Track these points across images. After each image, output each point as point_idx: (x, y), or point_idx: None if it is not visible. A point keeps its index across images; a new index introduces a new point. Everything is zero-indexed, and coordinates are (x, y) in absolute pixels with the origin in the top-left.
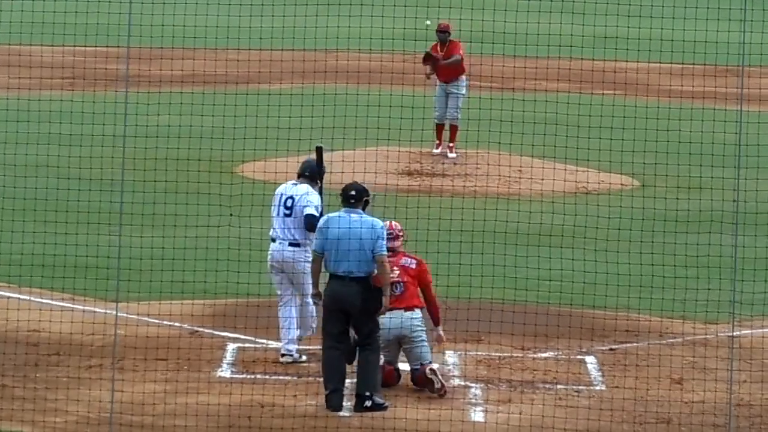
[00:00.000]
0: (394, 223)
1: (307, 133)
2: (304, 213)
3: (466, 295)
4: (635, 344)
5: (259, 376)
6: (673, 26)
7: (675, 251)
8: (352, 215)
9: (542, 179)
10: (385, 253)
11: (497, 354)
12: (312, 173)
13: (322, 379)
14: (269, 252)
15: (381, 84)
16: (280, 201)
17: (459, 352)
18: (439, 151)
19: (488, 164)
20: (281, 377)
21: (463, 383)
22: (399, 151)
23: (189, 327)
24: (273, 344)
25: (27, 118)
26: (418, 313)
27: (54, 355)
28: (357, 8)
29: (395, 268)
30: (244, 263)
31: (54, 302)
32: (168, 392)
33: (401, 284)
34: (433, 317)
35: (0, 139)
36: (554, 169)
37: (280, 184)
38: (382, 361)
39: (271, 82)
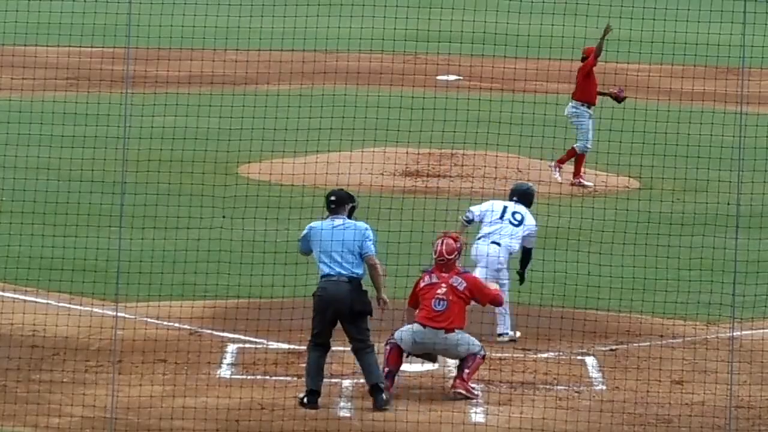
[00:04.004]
0: (444, 245)
1: (309, 134)
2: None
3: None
4: (636, 345)
5: (259, 376)
6: (677, 28)
7: (675, 252)
8: (335, 220)
9: (543, 180)
10: (373, 253)
11: (497, 355)
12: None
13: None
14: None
15: (381, 85)
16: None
17: None
18: (577, 180)
19: (489, 165)
20: (281, 378)
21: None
22: (398, 152)
23: (189, 328)
24: (273, 345)
25: (28, 120)
26: (455, 335)
27: (54, 355)
28: (358, 9)
29: (443, 284)
30: (245, 264)
31: (55, 303)
32: (168, 393)
33: (445, 302)
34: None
35: (1, 140)
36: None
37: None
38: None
39: (273, 83)
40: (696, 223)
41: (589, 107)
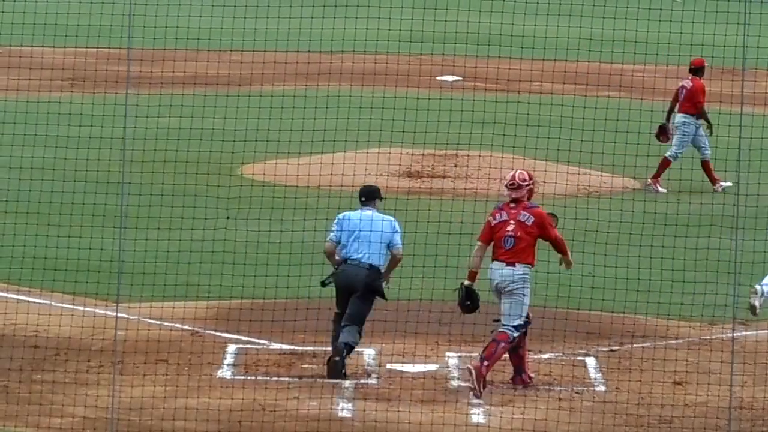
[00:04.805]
0: (519, 172)
1: (311, 135)
2: None
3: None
4: (636, 346)
5: (260, 377)
6: (677, 29)
7: (676, 253)
8: (366, 211)
9: (544, 181)
10: (401, 246)
11: None
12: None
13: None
14: None
15: (382, 86)
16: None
17: (460, 354)
18: (652, 183)
19: (490, 166)
20: (282, 378)
21: (463, 384)
22: (400, 153)
23: (190, 328)
24: (274, 346)
25: (29, 120)
26: (518, 269)
27: (55, 356)
28: (361, 10)
29: (512, 221)
30: (245, 265)
31: (55, 303)
32: (169, 393)
33: (513, 239)
34: (563, 253)
35: (3, 141)
36: (556, 171)
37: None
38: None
39: (275, 84)
40: (696, 223)
41: (697, 118)
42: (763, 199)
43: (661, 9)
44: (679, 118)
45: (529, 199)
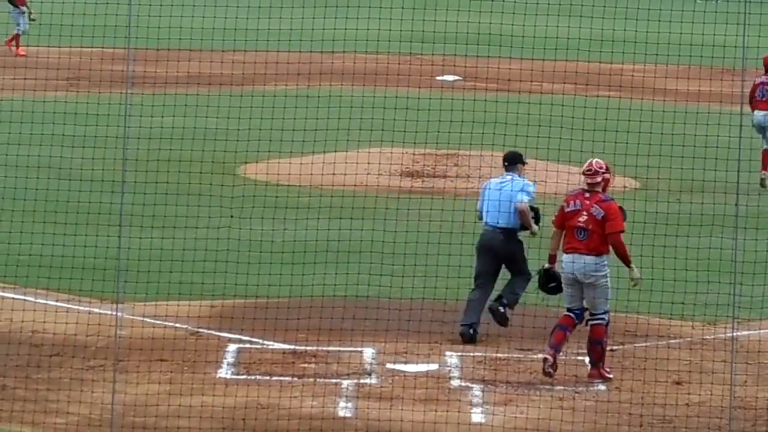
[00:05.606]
0: (596, 160)
1: (311, 135)
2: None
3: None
4: (636, 345)
5: (260, 376)
6: (677, 29)
7: (676, 253)
8: (506, 176)
9: (544, 181)
10: (523, 200)
11: (498, 355)
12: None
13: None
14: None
15: (382, 85)
16: None
17: (459, 353)
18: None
19: (489, 166)
20: (282, 378)
21: (463, 384)
22: (400, 152)
23: (190, 328)
24: (274, 345)
25: (30, 119)
26: (595, 259)
27: (55, 355)
28: (361, 10)
29: (584, 213)
30: (245, 264)
31: (55, 302)
32: (169, 393)
33: (585, 231)
34: (624, 261)
35: (3, 140)
36: (557, 171)
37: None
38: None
39: (275, 83)
40: (696, 223)
41: None
42: (763, 199)
43: (660, 9)
44: (760, 116)
45: (604, 190)
